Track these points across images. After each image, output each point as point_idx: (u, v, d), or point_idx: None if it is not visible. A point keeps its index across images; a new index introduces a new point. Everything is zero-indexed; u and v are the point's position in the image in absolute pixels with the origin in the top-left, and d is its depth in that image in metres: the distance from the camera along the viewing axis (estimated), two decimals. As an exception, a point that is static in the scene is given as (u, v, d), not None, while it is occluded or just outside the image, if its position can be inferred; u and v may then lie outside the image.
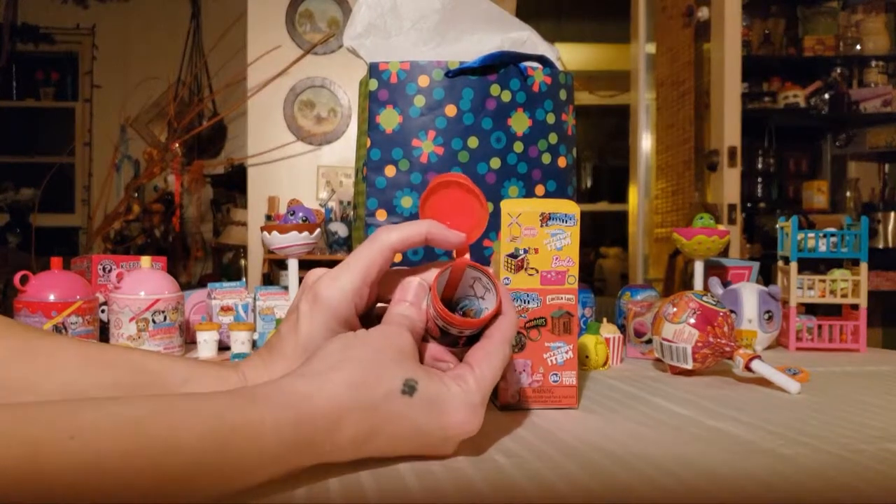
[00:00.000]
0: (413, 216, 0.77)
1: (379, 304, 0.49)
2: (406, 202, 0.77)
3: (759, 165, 3.56)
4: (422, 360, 0.46)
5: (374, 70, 0.78)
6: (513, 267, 0.56)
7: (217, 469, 0.33)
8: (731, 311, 0.73)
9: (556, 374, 0.58)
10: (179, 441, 0.32)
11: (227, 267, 4.00)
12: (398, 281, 0.46)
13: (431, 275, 0.47)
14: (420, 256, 0.78)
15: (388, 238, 0.45)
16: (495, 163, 0.78)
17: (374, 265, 0.44)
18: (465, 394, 0.42)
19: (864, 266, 0.94)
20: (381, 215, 0.78)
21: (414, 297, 0.45)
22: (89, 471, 0.29)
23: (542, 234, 0.56)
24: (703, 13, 2.98)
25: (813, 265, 2.36)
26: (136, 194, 3.89)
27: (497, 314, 0.45)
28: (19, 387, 0.43)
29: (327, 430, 0.38)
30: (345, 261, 0.46)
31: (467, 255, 0.45)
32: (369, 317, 0.48)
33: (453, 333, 0.46)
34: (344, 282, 0.44)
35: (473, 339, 0.46)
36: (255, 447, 0.35)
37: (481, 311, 0.47)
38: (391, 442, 0.40)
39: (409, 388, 0.40)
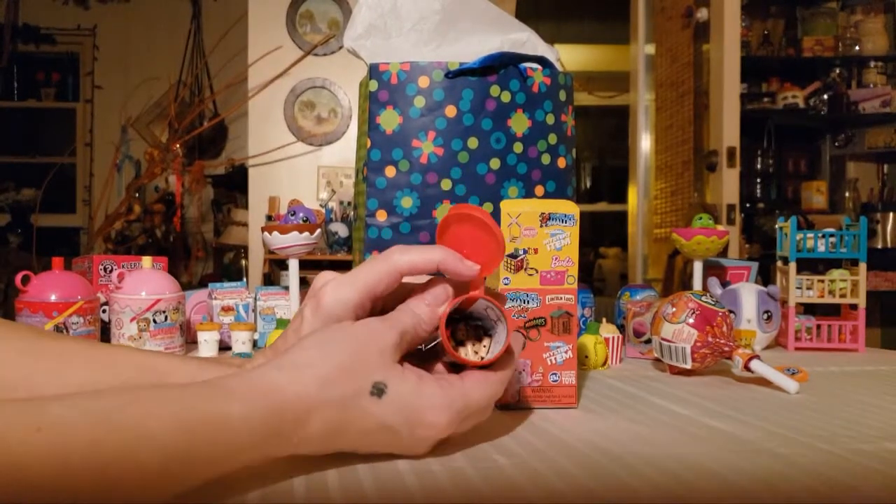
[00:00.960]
0: (412, 216, 0.78)
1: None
2: (406, 202, 0.78)
3: (758, 166, 3.56)
4: (431, 367, 0.46)
5: (374, 71, 0.78)
6: (512, 267, 0.57)
7: (187, 459, 0.33)
8: (730, 311, 0.73)
9: (555, 374, 0.58)
10: (149, 430, 0.32)
11: (228, 267, 4.00)
12: (409, 291, 0.46)
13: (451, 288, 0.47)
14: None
15: (399, 260, 0.44)
16: (495, 163, 0.78)
17: (379, 284, 0.45)
18: (444, 394, 0.42)
19: (862, 266, 0.94)
20: (382, 215, 0.78)
21: (432, 300, 0.45)
22: (58, 462, 0.29)
23: (542, 234, 0.56)
24: (702, 14, 2.98)
25: (812, 265, 2.36)
26: (137, 195, 3.89)
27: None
28: (23, 387, 0.43)
29: (295, 423, 0.38)
30: (353, 271, 0.46)
31: (482, 289, 0.45)
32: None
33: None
34: (347, 294, 0.44)
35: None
36: (225, 437, 0.35)
37: (493, 335, 0.47)
38: (360, 439, 0.41)
39: (378, 391, 0.40)
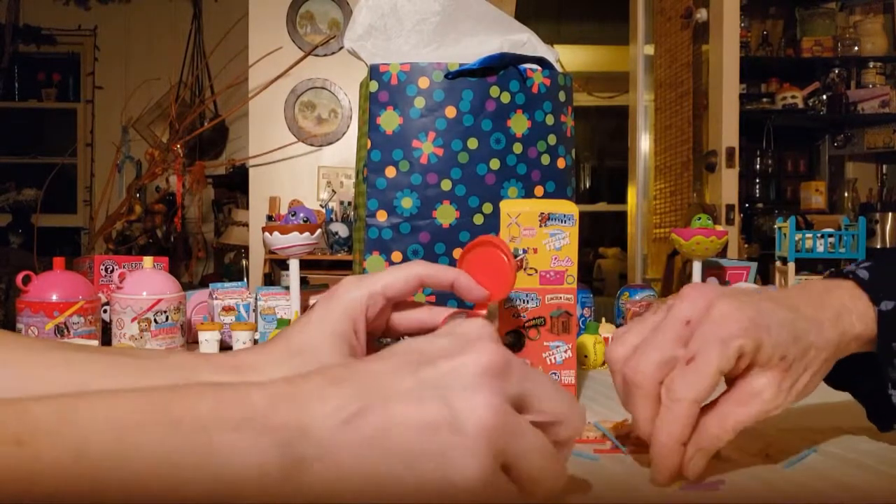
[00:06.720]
0: (413, 217, 0.78)
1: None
2: (406, 203, 0.78)
3: (758, 166, 3.57)
4: None
5: (374, 72, 0.78)
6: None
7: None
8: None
9: (555, 374, 0.58)
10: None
11: (229, 267, 4.01)
12: (416, 315, 0.47)
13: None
14: (420, 256, 0.79)
15: (419, 269, 0.46)
16: (495, 164, 0.78)
17: (397, 282, 0.45)
18: None
19: (861, 266, 0.94)
20: (382, 216, 0.79)
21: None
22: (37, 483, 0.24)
23: (541, 234, 0.57)
24: (701, 15, 2.98)
25: (811, 265, 2.36)
26: (138, 195, 3.89)
27: None
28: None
29: None
30: (373, 273, 0.46)
31: (485, 311, 0.48)
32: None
33: None
34: (365, 285, 0.45)
35: None
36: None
37: None
38: None
39: None
